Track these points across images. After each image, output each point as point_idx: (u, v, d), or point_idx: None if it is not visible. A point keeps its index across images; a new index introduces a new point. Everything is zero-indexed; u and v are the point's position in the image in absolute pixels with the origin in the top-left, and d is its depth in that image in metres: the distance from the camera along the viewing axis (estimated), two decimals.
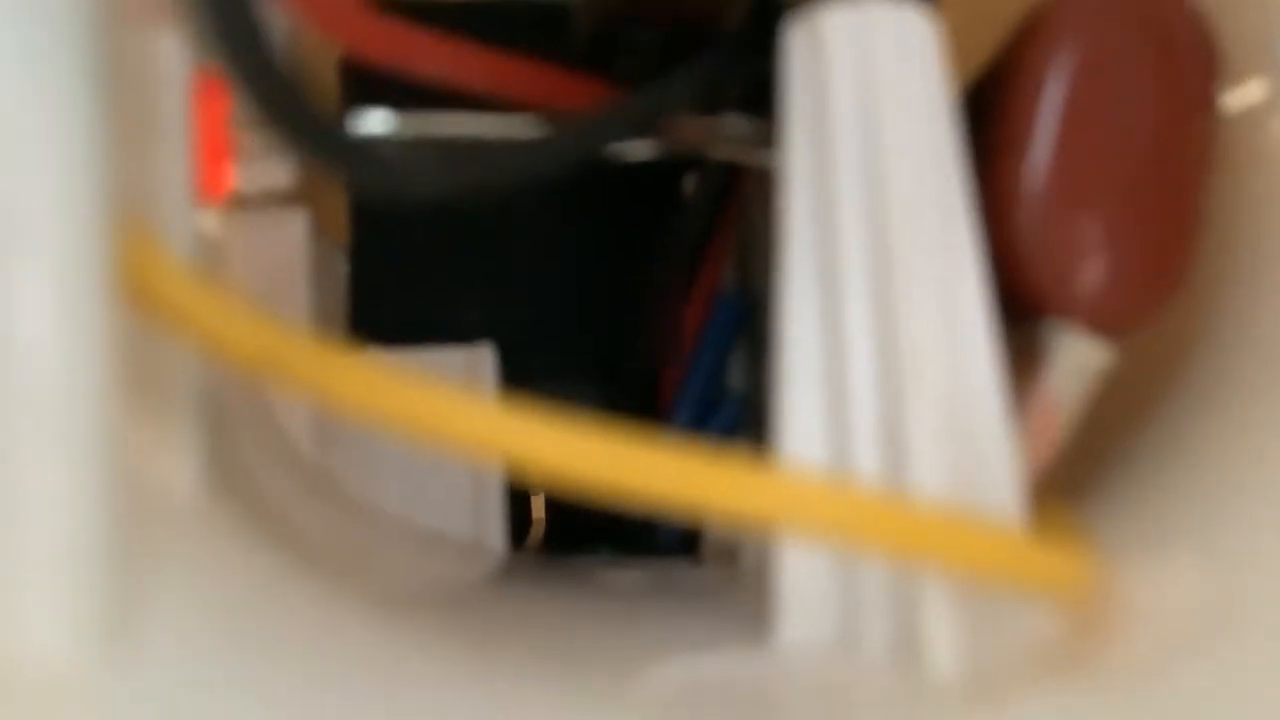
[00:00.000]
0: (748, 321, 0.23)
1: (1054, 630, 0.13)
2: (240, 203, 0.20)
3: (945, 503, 0.13)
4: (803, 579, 0.14)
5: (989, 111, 0.15)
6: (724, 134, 0.16)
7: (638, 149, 0.16)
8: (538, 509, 0.27)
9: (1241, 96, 0.16)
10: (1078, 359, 0.15)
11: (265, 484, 0.17)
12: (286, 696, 0.11)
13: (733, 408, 0.23)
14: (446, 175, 0.13)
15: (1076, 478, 0.16)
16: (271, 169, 0.20)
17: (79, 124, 0.10)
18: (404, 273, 0.24)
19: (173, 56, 0.13)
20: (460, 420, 0.10)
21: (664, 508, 0.12)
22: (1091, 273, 0.15)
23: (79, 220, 0.10)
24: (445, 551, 0.21)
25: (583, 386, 0.24)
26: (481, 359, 0.22)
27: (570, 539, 0.26)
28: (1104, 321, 0.15)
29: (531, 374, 0.23)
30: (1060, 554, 0.13)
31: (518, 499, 0.24)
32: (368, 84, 0.19)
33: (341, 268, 0.24)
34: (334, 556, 0.17)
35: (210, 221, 0.19)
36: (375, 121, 0.16)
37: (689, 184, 0.24)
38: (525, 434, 0.11)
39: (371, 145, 0.15)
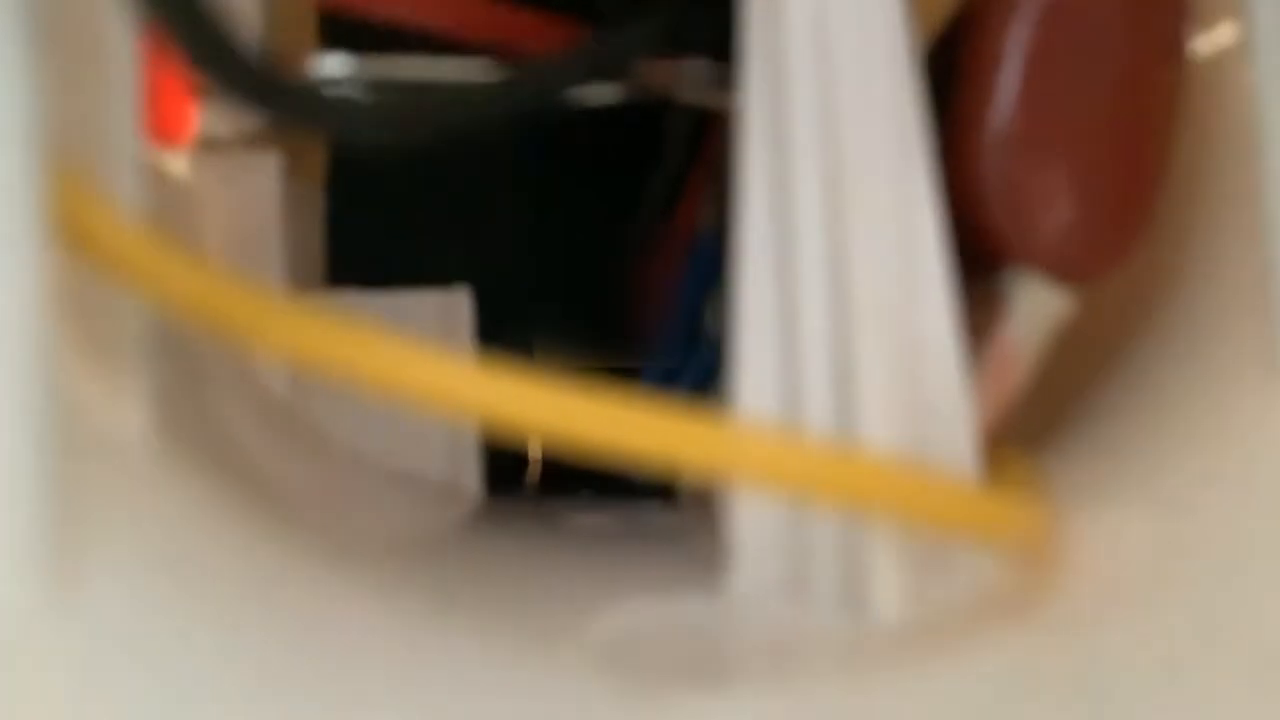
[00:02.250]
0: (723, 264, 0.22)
1: (1003, 579, 0.13)
2: (212, 146, 0.20)
3: (894, 453, 0.13)
4: (755, 526, 0.14)
5: (954, 57, 0.15)
6: (688, 78, 0.16)
7: (602, 93, 0.16)
8: (534, 449, 0.27)
9: (1210, 41, 0.16)
10: (1038, 307, 0.15)
11: (232, 426, 0.17)
12: (233, 645, 0.11)
13: (710, 350, 0.23)
14: (394, 120, 0.13)
15: (1035, 426, 0.16)
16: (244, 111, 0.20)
17: (12, 65, 0.10)
18: (382, 215, 0.24)
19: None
20: (393, 365, 0.11)
21: (620, 459, 0.12)
22: (1054, 220, 0.15)
23: (12, 163, 0.10)
24: (420, 495, 0.21)
25: (560, 329, 0.24)
26: (457, 302, 0.22)
27: (560, 480, 0.26)
28: (1066, 270, 0.15)
29: (508, 317, 0.23)
30: (1009, 504, 0.13)
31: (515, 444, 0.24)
32: (346, 31, 0.19)
33: (321, 208, 0.24)
34: (302, 501, 0.17)
35: (179, 165, 0.19)
36: (335, 65, 0.16)
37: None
38: (465, 381, 0.11)
39: (313, 90, 0.14)
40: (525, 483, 0.26)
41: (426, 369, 0.11)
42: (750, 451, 0.12)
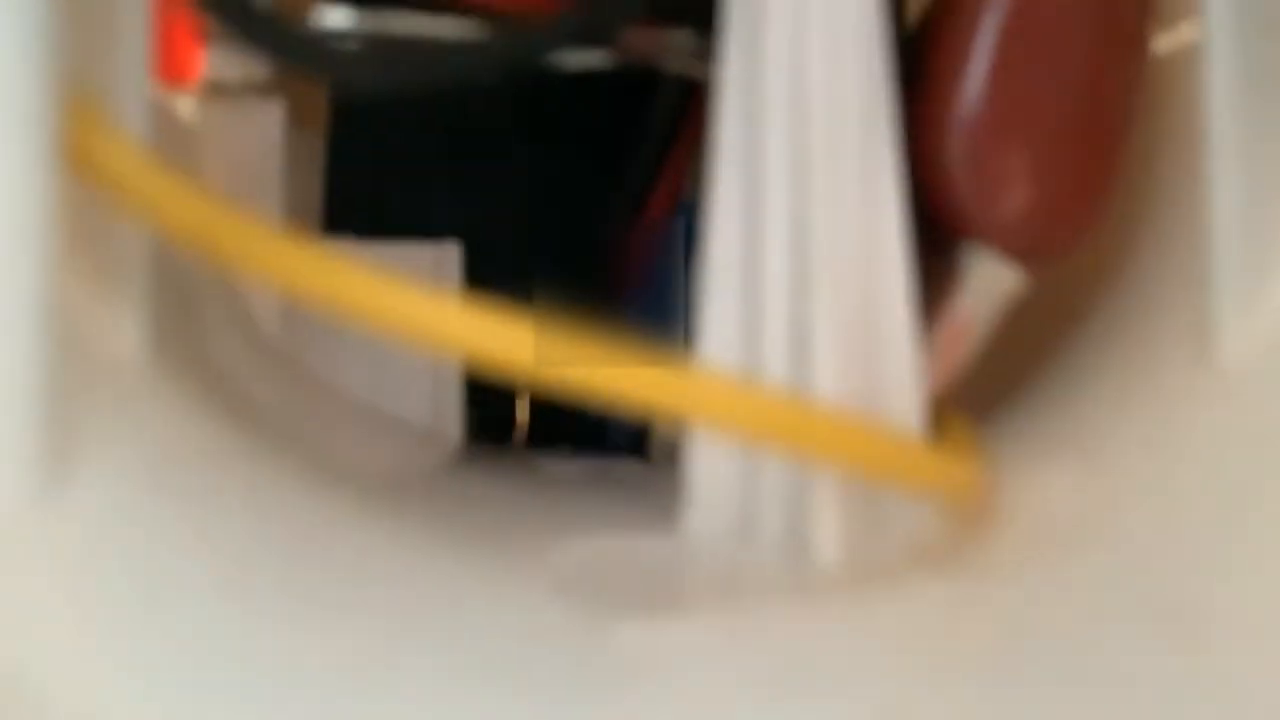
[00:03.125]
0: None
1: (939, 529, 0.14)
2: (217, 91, 0.20)
3: (843, 404, 0.14)
4: (710, 472, 0.15)
5: (927, 39, 0.16)
6: (673, 48, 0.17)
7: (590, 59, 0.17)
8: (522, 412, 0.27)
9: (1170, 39, 0.17)
10: (992, 282, 0.16)
11: (223, 356, 0.18)
12: (209, 552, 0.12)
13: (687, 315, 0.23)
14: (386, 70, 0.13)
15: (983, 395, 0.17)
16: (249, 56, 0.20)
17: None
18: (381, 166, 0.25)
19: None
20: (376, 295, 0.11)
21: (588, 399, 0.13)
22: (1013, 200, 0.16)
23: (25, 86, 0.11)
24: (402, 435, 0.22)
25: (545, 289, 0.25)
26: (447, 256, 0.23)
27: (541, 438, 0.27)
28: (1021, 248, 0.16)
29: (498, 270, 0.24)
30: (948, 459, 0.14)
31: (503, 401, 0.25)
32: None
33: (321, 158, 0.24)
34: (286, 427, 0.18)
35: (185, 107, 0.20)
36: (335, 17, 0.16)
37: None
38: (442, 314, 0.12)
39: (313, 37, 0.15)
40: (509, 438, 0.26)
41: (408, 301, 0.11)
42: (709, 395, 0.13)
